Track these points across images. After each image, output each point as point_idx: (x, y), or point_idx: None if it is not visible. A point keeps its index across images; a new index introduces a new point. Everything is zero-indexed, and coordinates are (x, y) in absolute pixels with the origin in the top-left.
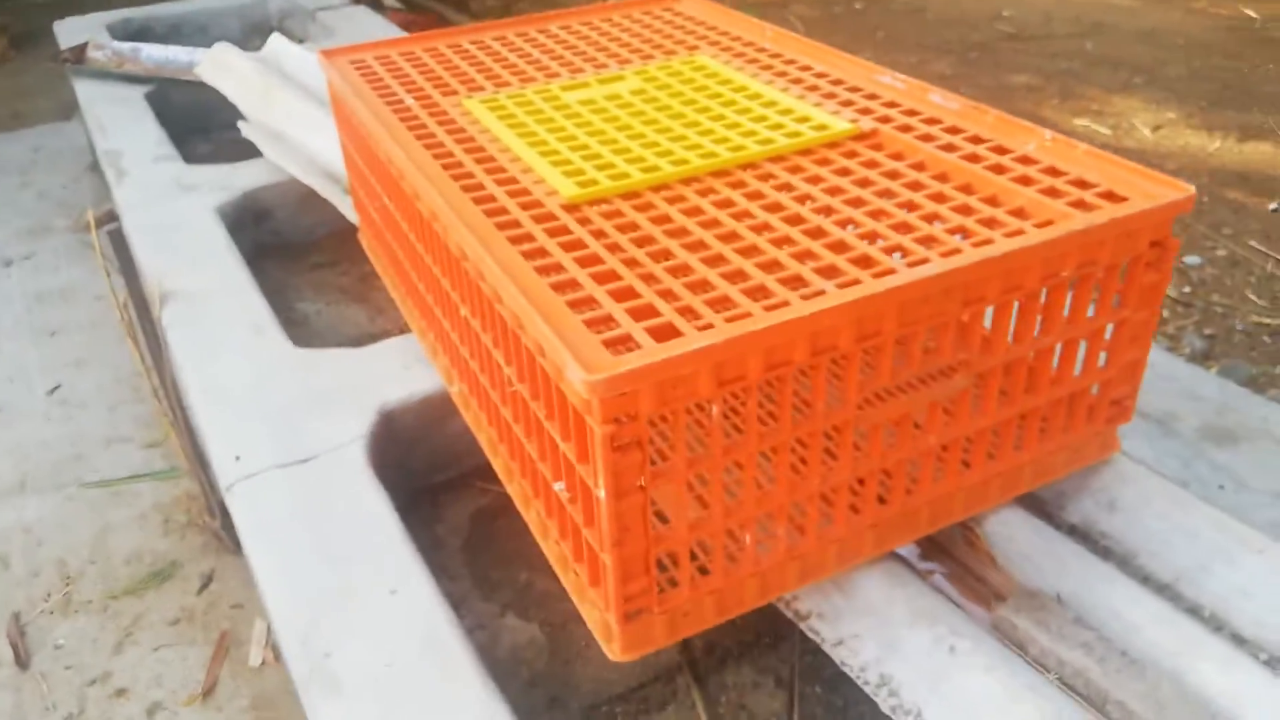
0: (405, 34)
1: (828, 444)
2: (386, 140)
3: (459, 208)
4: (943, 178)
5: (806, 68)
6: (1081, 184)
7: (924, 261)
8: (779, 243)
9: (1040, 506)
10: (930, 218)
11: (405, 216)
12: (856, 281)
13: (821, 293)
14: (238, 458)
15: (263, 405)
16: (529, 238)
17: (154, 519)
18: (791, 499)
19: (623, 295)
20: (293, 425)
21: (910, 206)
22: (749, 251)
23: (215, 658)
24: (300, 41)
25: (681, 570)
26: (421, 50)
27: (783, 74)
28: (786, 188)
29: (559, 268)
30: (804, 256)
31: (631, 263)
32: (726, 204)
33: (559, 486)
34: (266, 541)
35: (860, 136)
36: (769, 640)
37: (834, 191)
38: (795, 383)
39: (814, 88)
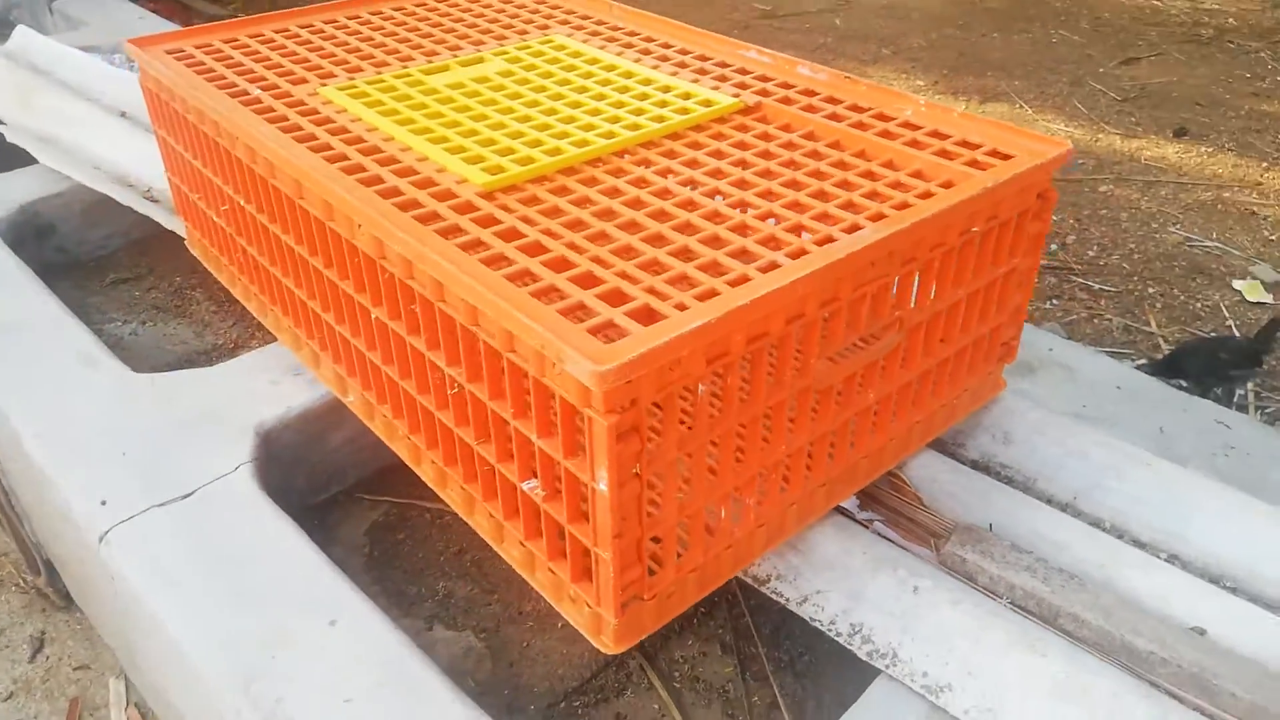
0: (178, 27)
1: (789, 411)
2: (250, 135)
3: (368, 203)
4: (836, 145)
5: (668, 45)
6: (967, 144)
7: (856, 229)
8: (711, 218)
9: (942, 447)
10: (842, 185)
11: (276, 218)
12: (804, 252)
13: (776, 265)
14: (104, 502)
15: (119, 441)
16: (458, 229)
17: None
18: (761, 468)
19: (584, 281)
20: (162, 459)
21: (818, 175)
22: (685, 229)
23: None
24: None
25: (667, 552)
26: (247, 37)
27: (647, 51)
28: (694, 163)
29: (504, 258)
30: (742, 229)
31: (574, 247)
32: (641, 182)
33: (530, 485)
34: (168, 590)
35: (746, 110)
36: (704, 609)
37: (742, 164)
38: (765, 354)
39: (683, 64)
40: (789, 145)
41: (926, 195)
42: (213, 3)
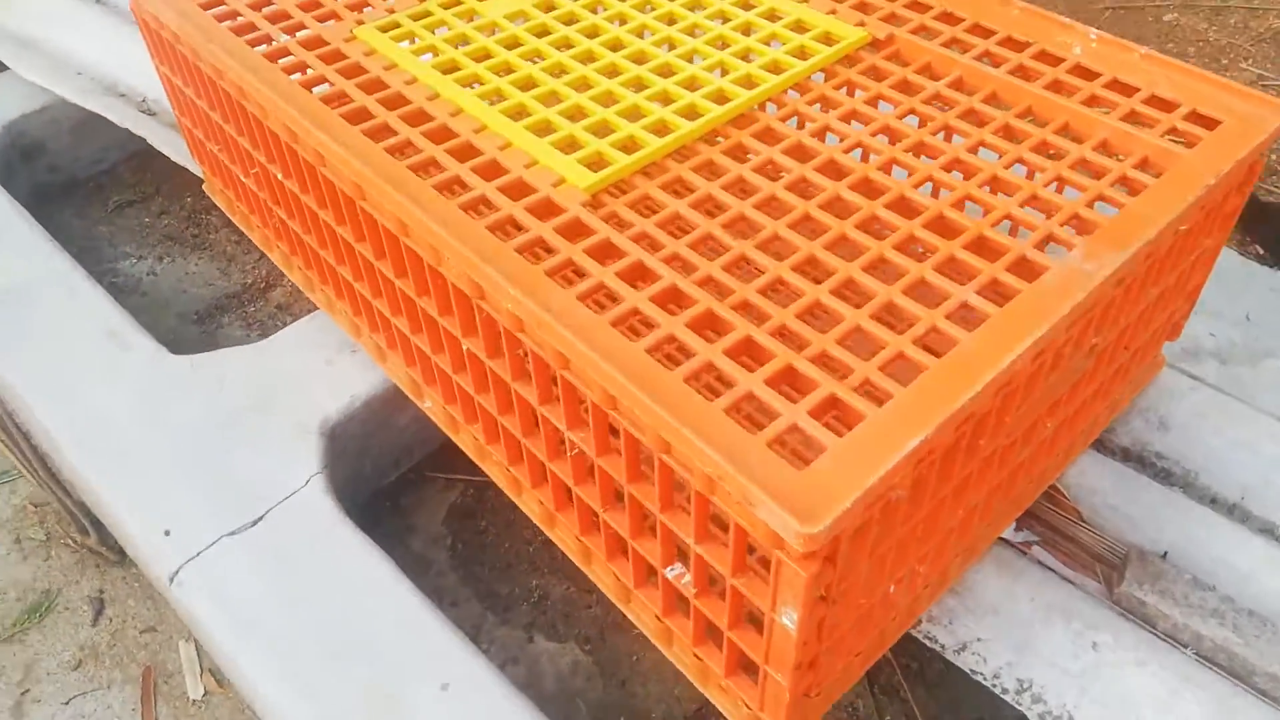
0: None
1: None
2: (290, 116)
3: (458, 230)
4: (994, 100)
5: None
6: (1160, 103)
7: (1051, 240)
8: (869, 227)
9: None
10: (1016, 162)
11: (329, 210)
12: (1003, 292)
13: (978, 317)
14: (168, 532)
15: (170, 447)
16: (573, 270)
17: (2, 540)
18: (941, 537)
19: (745, 353)
20: (222, 469)
21: (982, 148)
22: (841, 246)
23: (145, 700)
24: None
25: (838, 649)
26: None
27: None
28: (828, 132)
29: (640, 319)
30: (910, 247)
31: (715, 287)
32: (771, 169)
33: (674, 572)
34: (255, 645)
35: (874, 44)
36: None
37: (887, 133)
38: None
39: None
40: (937, 101)
41: (1129, 185)
42: None
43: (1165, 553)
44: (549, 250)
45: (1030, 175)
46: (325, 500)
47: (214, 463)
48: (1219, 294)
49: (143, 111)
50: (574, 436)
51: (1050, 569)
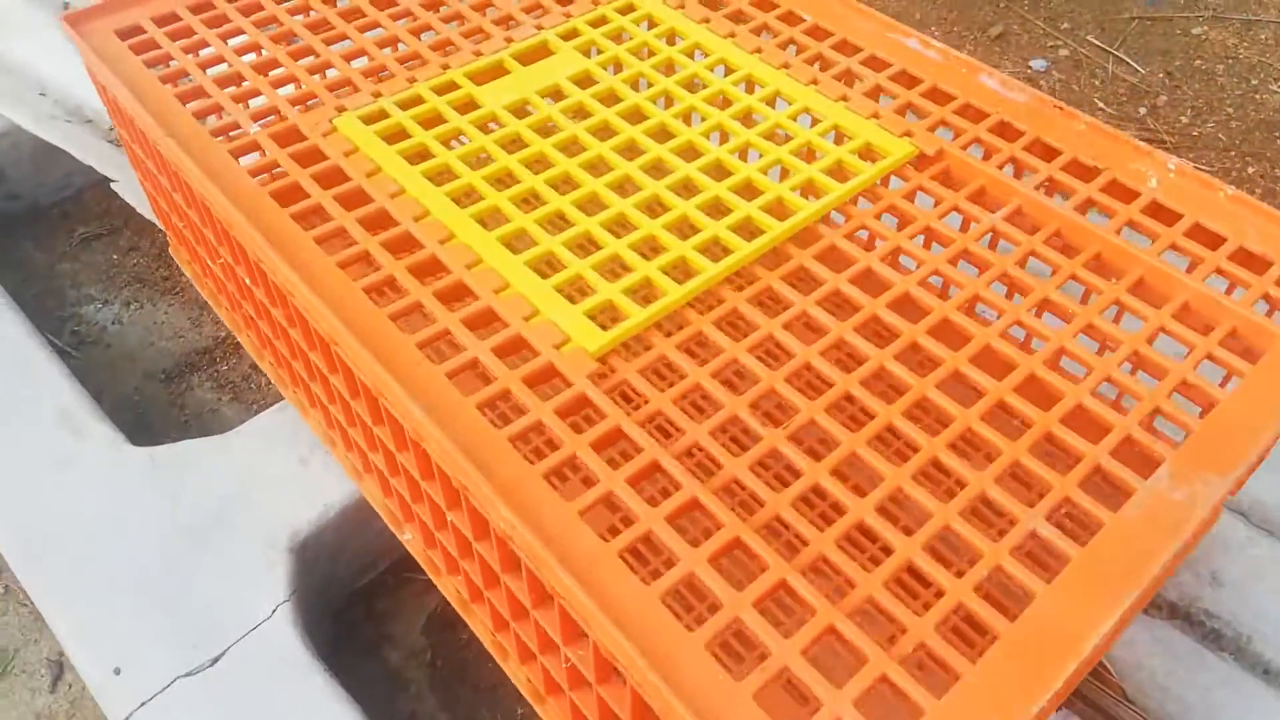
0: None
1: None
2: (256, 244)
3: (438, 409)
4: (1060, 243)
5: (793, 17)
6: (1250, 259)
7: (1155, 462)
8: (915, 414)
9: None
10: (1101, 345)
11: (303, 335)
12: (1083, 523)
13: (1053, 561)
14: (118, 670)
15: (124, 565)
16: (579, 478)
17: None
18: None
19: (774, 592)
20: (179, 594)
21: (1052, 309)
22: (881, 444)
23: None
24: None
25: None
26: (226, 1)
27: (764, 27)
28: (866, 278)
29: (657, 549)
30: (966, 447)
31: (734, 493)
32: (805, 328)
33: None
34: None
35: (922, 161)
36: None
37: (943, 282)
38: None
39: (821, 60)
40: (993, 239)
41: (1214, 361)
42: None
43: None
44: (550, 444)
45: (1101, 350)
46: (291, 635)
47: (172, 585)
48: None
49: (110, 141)
50: (570, 653)
51: None
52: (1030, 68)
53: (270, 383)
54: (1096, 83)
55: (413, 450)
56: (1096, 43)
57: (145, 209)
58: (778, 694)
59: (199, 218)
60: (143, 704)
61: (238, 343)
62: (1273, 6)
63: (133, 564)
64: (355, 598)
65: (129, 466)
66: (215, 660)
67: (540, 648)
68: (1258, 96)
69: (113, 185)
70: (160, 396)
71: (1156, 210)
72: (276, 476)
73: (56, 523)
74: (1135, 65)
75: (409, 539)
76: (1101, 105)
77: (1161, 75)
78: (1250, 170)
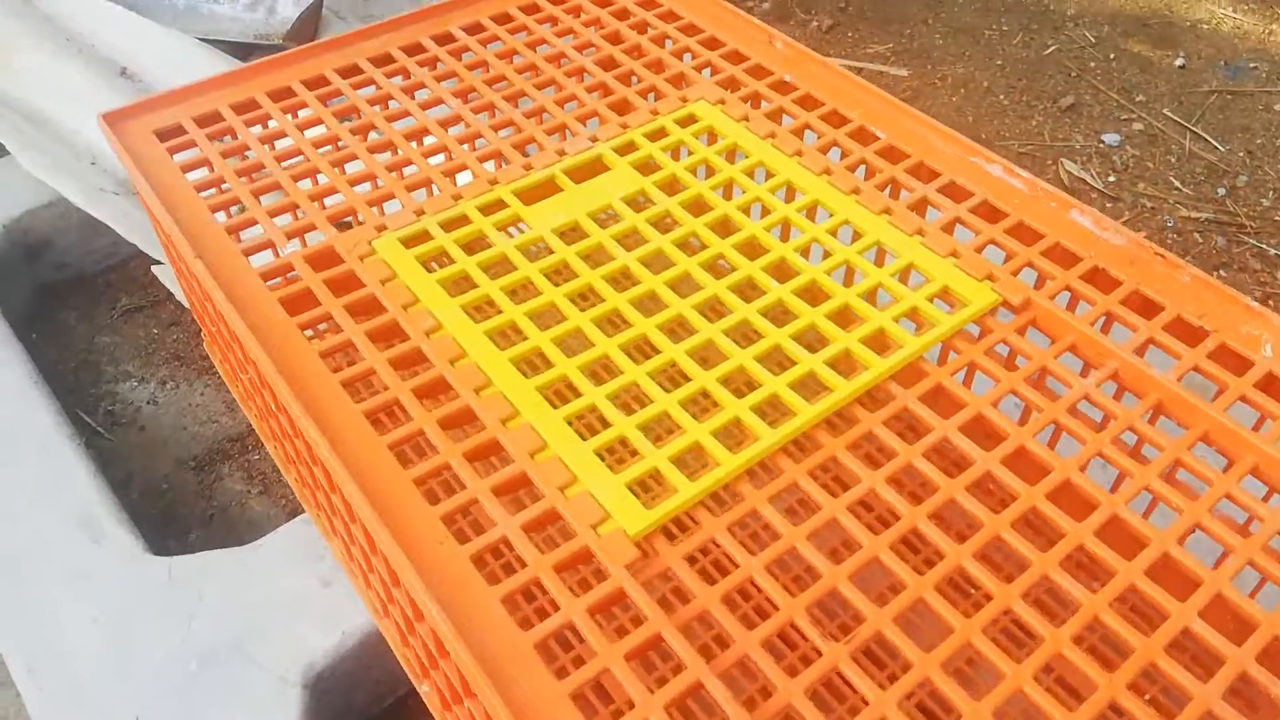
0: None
1: None
2: (285, 394)
3: (458, 597)
4: (1160, 413)
5: (866, 135)
6: None
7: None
8: (1002, 626)
9: None
10: (1216, 542)
11: (327, 483)
12: None
13: None
14: None
15: (131, 694)
16: (605, 692)
17: None
18: None
19: None
20: None
21: (1147, 502)
22: (976, 664)
23: None
24: None
25: None
26: (269, 100)
27: (832, 144)
28: (939, 449)
29: None
30: (1067, 661)
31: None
32: (872, 507)
33: None
34: None
35: (1009, 309)
36: None
37: (1029, 463)
38: None
39: (894, 184)
40: (1085, 407)
41: None
42: None
43: None
44: (578, 655)
45: (1221, 561)
46: None
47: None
48: None
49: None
50: None
51: None
52: (1102, 141)
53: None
54: (1173, 159)
55: (430, 634)
56: (1173, 116)
57: (183, 297)
58: None
59: (228, 334)
60: None
61: None
62: None
63: (140, 693)
64: None
65: (147, 578)
66: None
67: None
68: None
69: (154, 269)
70: (190, 485)
71: (1271, 384)
72: (296, 598)
73: (66, 639)
74: (1214, 142)
75: (427, 691)
76: (1178, 184)
77: (1242, 153)
78: None
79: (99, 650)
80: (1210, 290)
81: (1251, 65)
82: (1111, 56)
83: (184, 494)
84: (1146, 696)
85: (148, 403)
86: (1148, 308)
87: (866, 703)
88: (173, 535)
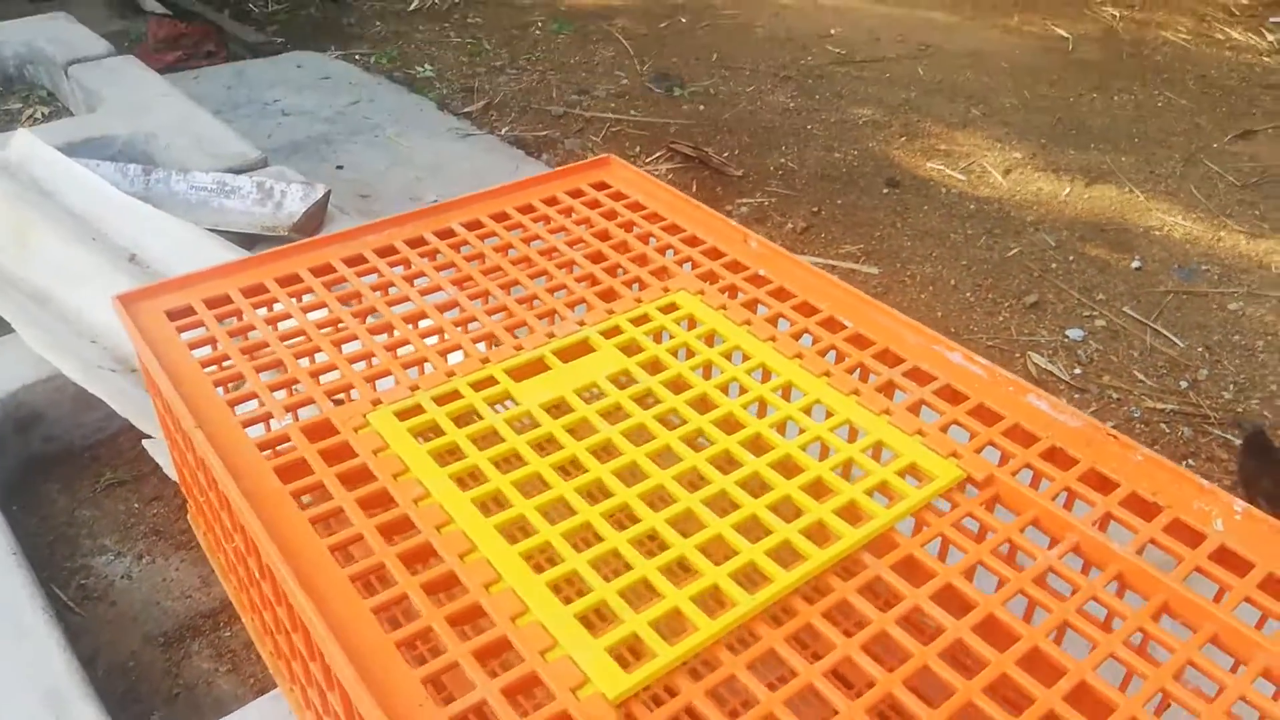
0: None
1: None
2: (281, 570)
3: None
4: (1121, 584)
5: (834, 324)
6: None
7: None
8: None
9: None
10: (1155, 696)
11: (319, 662)
12: None
13: None
14: None
15: None
16: None
17: None
18: None
19: None
20: None
21: (1105, 660)
22: None
23: None
24: (49, 99)
25: None
26: (276, 285)
27: (803, 331)
28: (913, 618)
29: None
30: None
31: None
32: (847, 678)
33: None
34: None
35: (970, 484)
36: None
37: (996, 630)
38: None
39: (862, 370)
40: (1049, 578)
41: None
42: (249, 25)
43: None
44: None
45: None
46: None
47: None
48: None
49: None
50: None
51: None
52: (1067, 336)
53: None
54: (1135, 354)
55: None
56: (1133, 314)
57: (171, 471)
58: None
59: (218, 501)
60: None
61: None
62: None
63: None
64: None
65: None
66: None
67: None
68: None
69: (144, 443)
70: (157, 663)
71: (1224, 557)
72: None
73: None
74: (1173, 338)
75: None
76: (1141, 377)
77: (1200, 349)
78: None
79: None
80: (1162, 469)
81: (1203, 267)
82: (1071, 258)
83: (150, 672)
84: None
85: (122, 577)
86: (1104, 485)
87: None
88: (136, 715)
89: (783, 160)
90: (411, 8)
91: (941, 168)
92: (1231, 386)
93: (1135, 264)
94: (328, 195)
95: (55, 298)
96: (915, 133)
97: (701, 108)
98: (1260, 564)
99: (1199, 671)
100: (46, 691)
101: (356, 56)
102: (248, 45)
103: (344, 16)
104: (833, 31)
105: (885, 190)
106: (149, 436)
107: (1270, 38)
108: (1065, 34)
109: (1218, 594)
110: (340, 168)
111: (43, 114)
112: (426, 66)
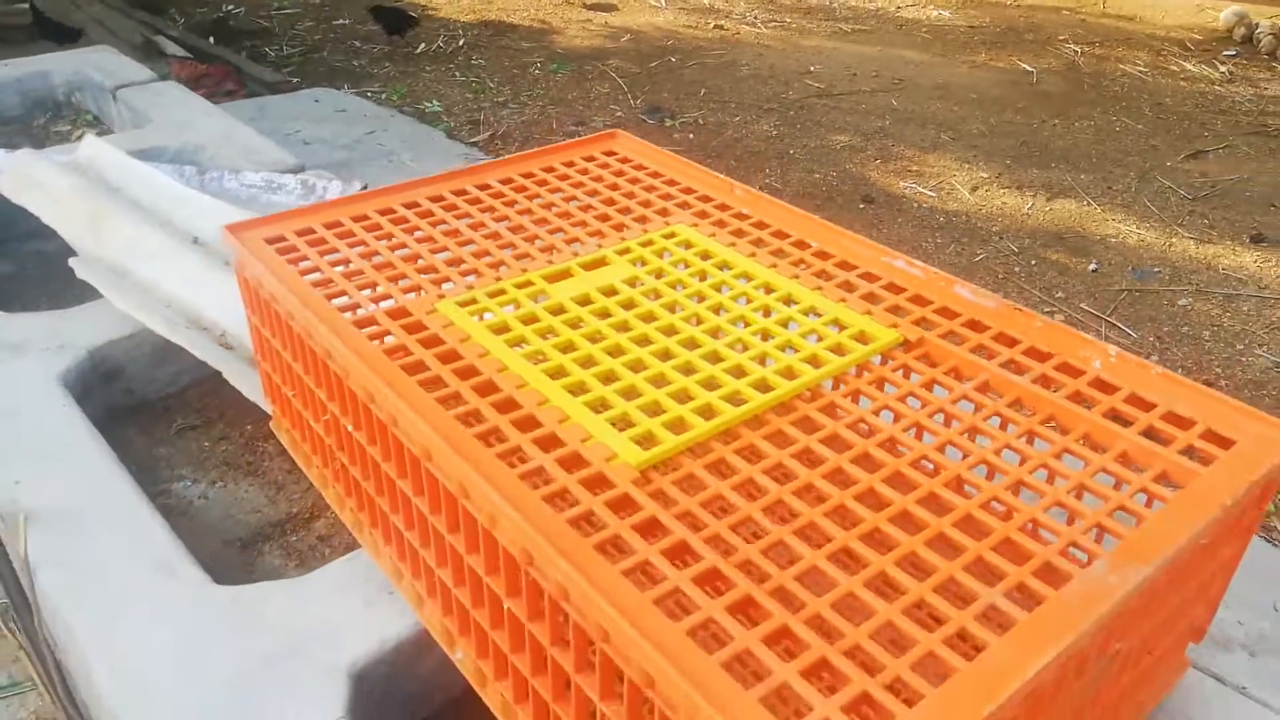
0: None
1: None
2: (374, 385)
3: (513, 496)
4: (1017, 404)
5: (803, 244)
6: (1177, 420)
7: (1074, 546)
8: (901, 522)
9: None
10: (1046, 471)
11: (395, 464)
12: (1033, 595)
13: (1006, 621)
14: None
15: (201, 685)
16: (620, 545)
17: None
18: None
19: (781, 641)
20: (245, 711)
21: (1020, 456)
22: (873, 540)
23: None
24: (95, 122)
25: None
26: (350, 221)
27: (780, 252)
28: (862, 423)
29: (684, 600)
30: (939, 544)
31: (752, 570)
32: (809, 457)
33: None
34: None
35: (906, 345)
36: None
37: (916, 430)
38: None
39: (824, 274)
40: (965, 401)
41: (1148, 496)
42: (266, 66)
43: None
44: (598, 525)
45: (1051, 480)
46: None
47: (238, 703)
48: (1247, 584)
49: (221, 345)
50: (606, 709)
51: None
52: None
53: (333, 552)
54: None
55: (484, 545)
56: (1090, 309)
57: (252, 393)
58: (779, 701)
59: (315, 380)
60: None
61: (309, 516)
62: (1250, 282)
63: (208, 685)
64: None
65: (214, 604)
66: None
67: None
68: (1244, 359)
69: (225, 374)
70: (234, 561)
71: (1100, 385)
72: (345, 617)
73: (145, 647)
74: (1127, 329)
75: (460, 657)
76: None
77: (1152, 339)
78: None
79: (170, 656)
80: (1057, 330)
81: (1156, 269)
82: (1033, 263)
83: (229, 568)
84: None
85: (199, 498)
86: (1011, 343)
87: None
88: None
89: (768, 180)
90: (419, 50)
91: (913, 186)
92: (1180, 370)
93: (1092, 266)
94: (365, 189)
95: (131, 271)
96: (889, 156)
97: (691, 136)
98: (1126, 387)
99: (1075, 456)
100: (157, 561)
101: (369, 93)
102: (265, 84)
103: (354, 60)
104: (812, 69)
105: (861, 205)
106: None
107: (1223, 68)
108: (1029, 68)
109: (1095, 410)
110: (365, 186)
111: (93, 135)
112: (434, 102)
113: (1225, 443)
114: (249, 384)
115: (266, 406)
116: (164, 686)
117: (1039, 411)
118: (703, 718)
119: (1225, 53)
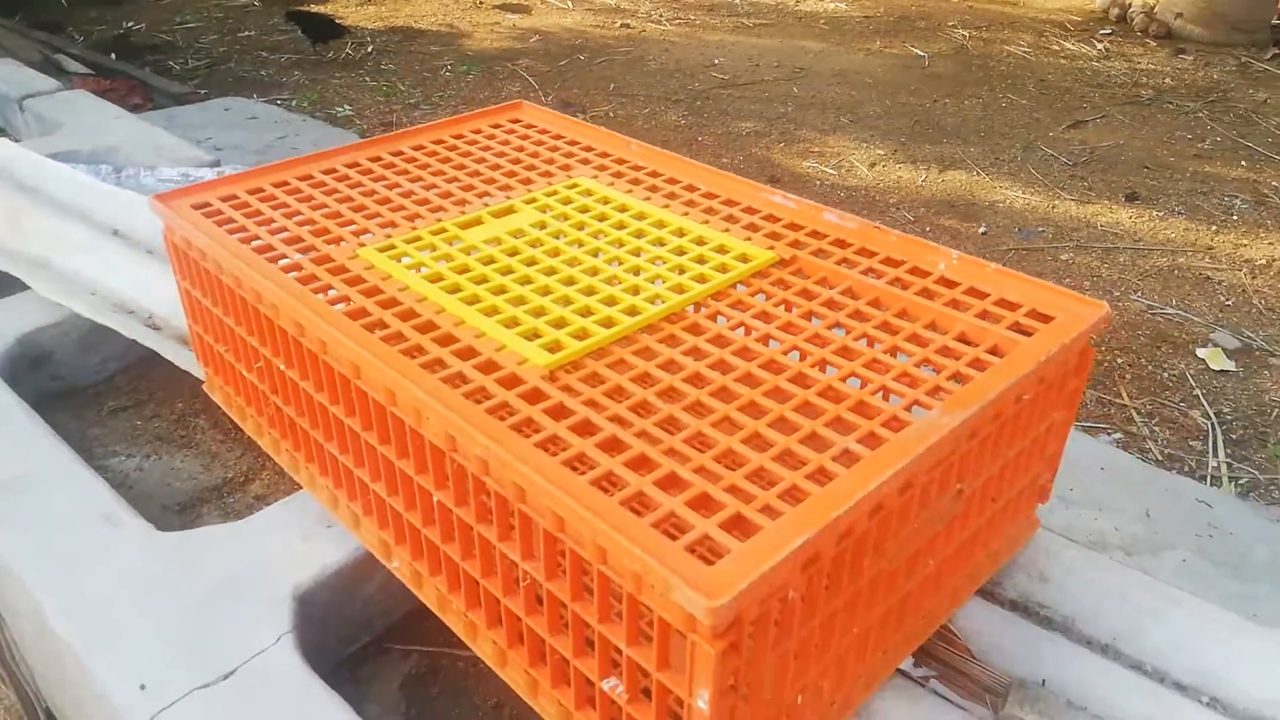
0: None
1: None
2: (303, 315)
3: (439, 398)
4: (877, 304)
5: (692, 187)
6: (1007, 304)
7: (916, 404)
8: (774, 395)
9: (981, 588)
10: (891, 351)
11: (327, 391)
12: (876, 439)
13: (855, 458)
14: (143, 686)
15: (151, 614)
16: (532, 424)
17: None
18: (839, 652)
19: (669, 485)
20: (199, 632)
21: (868, 339)
22: (751, 409)
23: None
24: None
25: None
26: (272, 186)
27: (672, 195)
28: (742, 327)
29: (586, 459)
30: (806, 410)
31: (649, 438)
32: (697, 353)
33: (610, 684)
34: None
35: (782, 263)
36: None
37: (789, 328)
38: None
39: (711, 210)
40: (831, 304)
41: (978, 364)
42: (172, 79)
43: (1044, 681)
44: (513, 412)
45: (899, 356)
46: (293, 656)
47: (193, 628)
48: (1122, 494)
49: (146, 326)
50: (527, 566)
51: (946, 698)
52: None
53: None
54: None
55: (412, 446)
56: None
57: (182, 360)
58: (667, 526)
59: (246, 329)
60: (161, 710)
61: (244, 479)
62: (1126, 236)
63: (160, 616)
64: (341, 666)
65: (160, 548)
66: (227, 676)
67: (505, 589)
68: (1120, 304)
69: (156, 349)
70: (174, 524)
71: (945, 282)
72: (285, 550)
73: (95, 590)
74: None
75: (396, 565)
76: None
77: None
78: (1119, 360)
79: (123, 596)
80: (910, 242)
81: (1040, 229)
82: (928, 229)
83: (170, 529)
84: None
85: (135, 470)
86: (871, 255)
87: (684, 426)
88: None
89: None
90: (328, 58)
91: (816, 165)
92: None
93: (982, 230)
94: None
95: (54, 263)
96: (792, 139)
97: (603, 128)
98: (965, 282)
99: (921, 339)
100: (103, 515)
101: (279, 100)
102: (172, 96)
103: (261, 70)
104: (717, 62)
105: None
106: (158, 371)
107: (1099, 46)
108: (921, 53)
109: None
110: None
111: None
112: (345, 107)
113: (1046, 319)
114: (178, 356)
115: (199, 372)
116: (121, 622)
117: (893, 307)
118: (605, 541)
119: (1102, 31)
